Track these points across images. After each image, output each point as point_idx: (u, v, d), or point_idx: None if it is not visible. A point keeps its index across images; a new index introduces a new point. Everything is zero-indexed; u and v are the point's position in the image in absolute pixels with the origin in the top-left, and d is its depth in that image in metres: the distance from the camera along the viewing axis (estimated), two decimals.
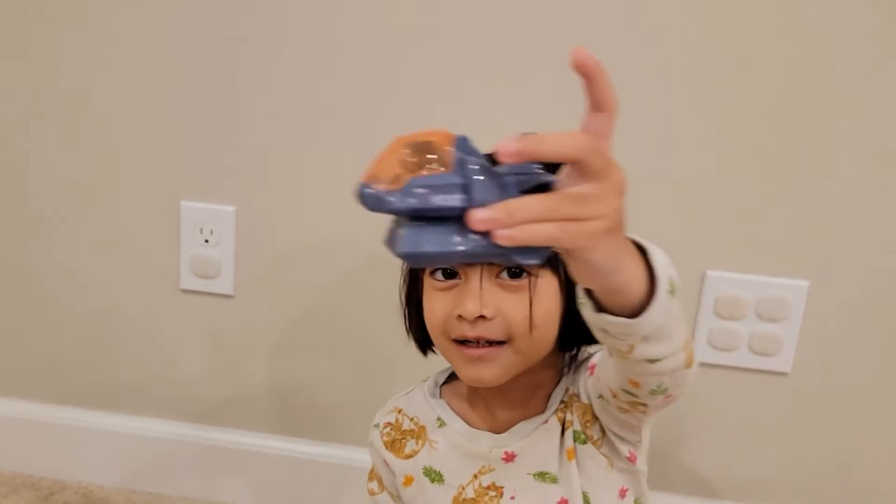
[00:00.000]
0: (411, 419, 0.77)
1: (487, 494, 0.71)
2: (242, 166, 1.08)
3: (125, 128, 1.09)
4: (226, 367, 1.18)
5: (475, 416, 0.74)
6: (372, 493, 0.81)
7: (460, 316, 0.65)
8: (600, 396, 0.67)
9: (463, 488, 0.72)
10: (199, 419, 1.20)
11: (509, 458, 0.71)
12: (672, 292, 0.50)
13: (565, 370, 0.72)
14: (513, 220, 0.40)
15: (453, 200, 0.41)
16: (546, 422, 0.71)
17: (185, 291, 1.15)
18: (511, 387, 0.69)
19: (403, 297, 0.75)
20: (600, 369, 0.66)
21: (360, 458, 1.13)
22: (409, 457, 0.76)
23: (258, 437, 1.19)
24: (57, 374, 1.22)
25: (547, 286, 0.65)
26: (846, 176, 0.98)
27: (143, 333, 1.18)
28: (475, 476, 0.72)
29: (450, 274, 0.66)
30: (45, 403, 1.23)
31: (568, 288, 0.65)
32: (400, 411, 0.78)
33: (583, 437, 0.69)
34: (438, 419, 0.75)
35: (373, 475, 0.81)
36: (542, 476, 0.70)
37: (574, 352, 0.73)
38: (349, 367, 1.15)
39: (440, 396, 0.76)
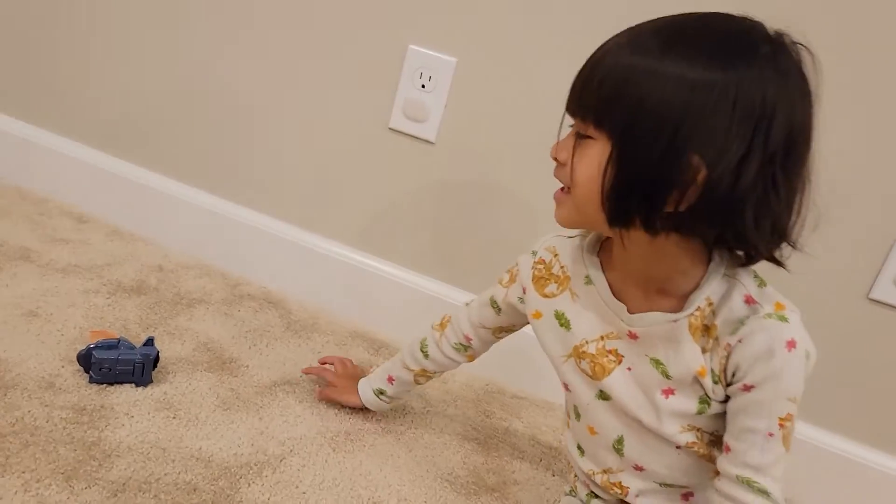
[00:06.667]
0: (562, 266, 0.80)
1: (607, 357, 0.75)
2: (469, 19, 1.16)
3: None
4: (411, 208, 1.28)
5: (619, 284, 0.75)
6: (500, 283, 0.89)
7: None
8: (724, 401, 0.72)
9: (587, 342, 0.76)
10: (367, 248, 1.32)
11: (633, 336, 0.74)
12: None
13: (713, 275, 0.70)
14: None
15: None
16: (676, 321, 0.70)
17: (393, 131, 1.25)
18: (647, 269, 0.71)
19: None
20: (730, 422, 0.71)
21: None
22: (546, 296, 0.80)
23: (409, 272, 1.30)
24: (283, 188, 1.36)
25: (596, 153, 0.66)
26: None
27: (352, 164, 1.29)
28: (602, 337, 0.76)
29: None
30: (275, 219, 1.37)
31: (619, 160, 0.64)
32: (556, 255, 0.81)
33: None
34: (587, 277, 0.77)
35: (511, 278, 0.87)
36: (656, 363, 0.73)
37: (720, 252, 0.70)
38: (525, 224, 1.22)
39: (598, 254, 0.77)
